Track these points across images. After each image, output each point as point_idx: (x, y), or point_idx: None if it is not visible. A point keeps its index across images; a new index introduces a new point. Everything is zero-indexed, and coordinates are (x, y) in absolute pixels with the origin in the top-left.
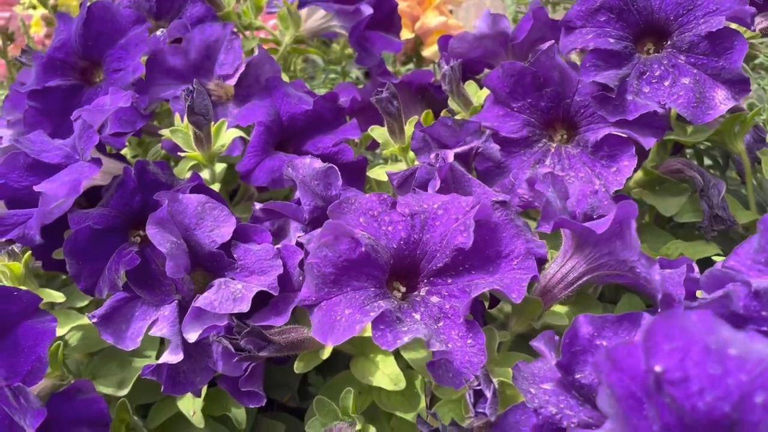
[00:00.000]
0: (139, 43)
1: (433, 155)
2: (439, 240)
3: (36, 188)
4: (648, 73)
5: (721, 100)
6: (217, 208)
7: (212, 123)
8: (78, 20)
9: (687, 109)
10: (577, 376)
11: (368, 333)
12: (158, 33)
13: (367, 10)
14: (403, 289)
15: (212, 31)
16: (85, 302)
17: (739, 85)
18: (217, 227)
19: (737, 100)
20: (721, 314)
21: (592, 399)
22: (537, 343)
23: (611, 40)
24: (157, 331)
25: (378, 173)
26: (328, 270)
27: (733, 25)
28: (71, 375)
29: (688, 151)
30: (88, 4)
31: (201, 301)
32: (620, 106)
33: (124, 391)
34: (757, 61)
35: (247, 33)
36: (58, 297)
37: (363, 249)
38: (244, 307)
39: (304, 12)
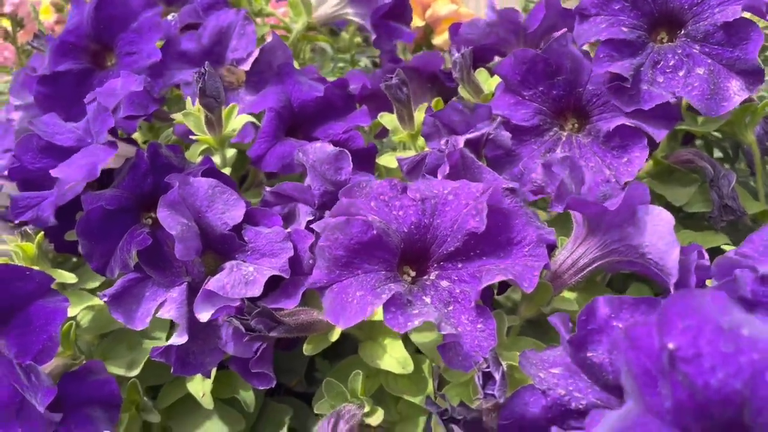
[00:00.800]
0: (152, 27)
1: (443, 141)
2: (450, 224)
3: (53, 173)
4: (662, 63)
5: (736, 91)
6: (227, 191)
7: (223, 107)
8: (90, 4)
9: (701, 101)
10: (589, 354)
11: (377, 317)
12: (169, 18)
13: None
14: (413, 273)
15: (225, 17)
16: (97, 283)
17: (753, 76)
18: (228, 210)
19: (751, 91)
20: None
21: (602, 379)
22: (553, 319)
23: (624, 29)
24: (164, 313)
25: (387, 160)
26: (340, 252)
27: (746, 15)
28: (83, 355)
29: (697, 142)
30: None
31: (213, 284)
32: (635, 96)
33: (135, 372)
34: None
35: (258, 20)
36: (69, 278)
37: (375, 232)
38: (257, 290)
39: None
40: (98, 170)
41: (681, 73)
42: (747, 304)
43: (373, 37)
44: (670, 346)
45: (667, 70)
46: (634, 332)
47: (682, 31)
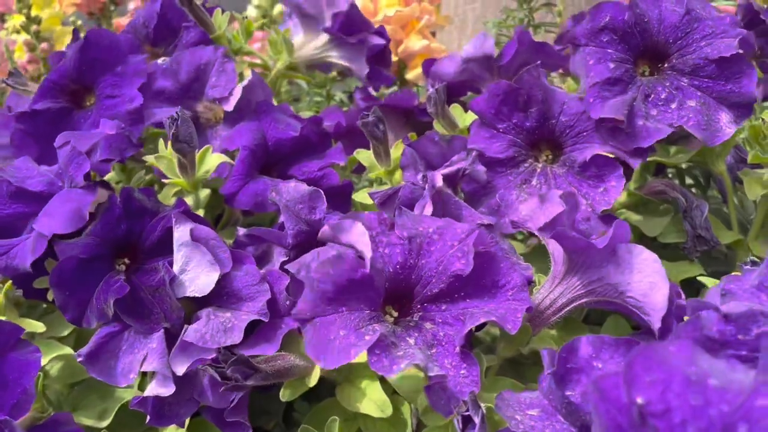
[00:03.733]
0: (137, 73)
1: (420, 176)
2: (435, 266)
3: (37, 228)
4: (653, 96)
5: (726, 123)
6: (220, 247)
7: (197, 149)
8: (75, 45)
9: (699, 131)
10: (568, 392)
11: (355, 359)
12: (159, 62)
13: (379, 42)
14: (396, 314)
15: (203, 53)
16: (67, 331)
17: (742, 109)
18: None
19: (739, 123)
20: (695, 339)
21: (579, 420)
22: (544, 351)
23: (611, 65)
24: (148, 366)
25: (363, 197)
26: (328, 287)
27: None
28: (51, 406)
29: (669, 170)
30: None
31: (191, 335)
32: (632, 133)
33: (105, 423)
34: None
35: (236, 58)
36: (38, 327)
37: (366, 270)
38: (237, 337)
39: (296, 40)
40: (86, 215)
41: (673, 106)
42: (716, 344)
43: (364, 82)
44: (639, 401)
45: (660, 103)
46: (605, 384)
47: (666, 65)
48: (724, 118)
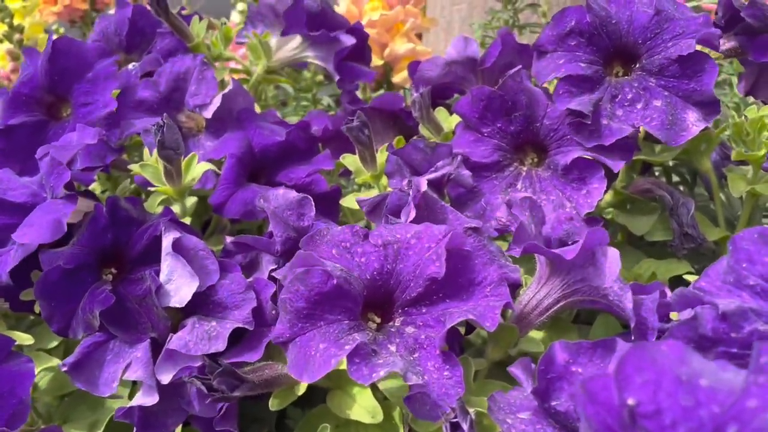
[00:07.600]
0: (108, 78)
1: (405, 182)
2: (413, 269)
3: (15, 237)
4: (620, 96)
5: (693, 121)
6: (208, 257)
7: (183, 157)
8: (43, 55)
9: (661, 132)
10: (553, 403)
11: (342, 366)
12: (130, 67)
13: (349, 40)
14: (378, 320)
15: (182, 62)
16: (55, 343)
17: (709, 107)
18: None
19: (708, 121)
20: (689, 337)
21: (569, 426)
22: (514, 369)
23: (582, 65)
24: (131, 375)
25: (350, 202)
26: (301, 304)
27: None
28: (41, 419)
29: (656, 168)
30: (54, 38)
31: (175, 343)
32: (596, 131)
33: None
34: (719, 78)
35: (217, 64)
36: (26, 339)
37: (335, 281)
38: (220, 345)
39: (273, 42)
40: (64, 226)
41: (639, 106)
42: (709, 342)
43: (337, 78)
44: (630, 402)
45: (626, 104)
46: (592, 386)
47: (637, 65)
48: (691, 116)
